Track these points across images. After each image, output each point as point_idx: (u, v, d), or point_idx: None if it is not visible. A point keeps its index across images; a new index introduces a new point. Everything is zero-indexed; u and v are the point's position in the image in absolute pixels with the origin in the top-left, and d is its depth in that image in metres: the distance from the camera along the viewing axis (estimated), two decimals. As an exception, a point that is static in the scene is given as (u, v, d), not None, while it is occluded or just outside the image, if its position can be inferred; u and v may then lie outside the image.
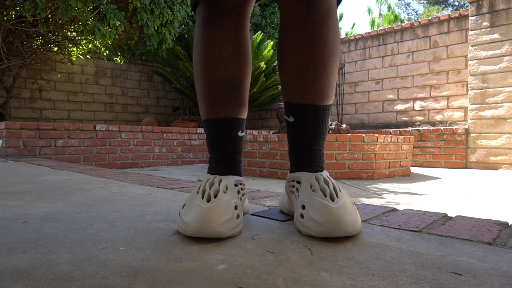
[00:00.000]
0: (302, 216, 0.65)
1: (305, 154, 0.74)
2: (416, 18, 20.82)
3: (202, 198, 0.63)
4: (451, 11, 14.25)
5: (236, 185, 0.73)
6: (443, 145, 4.34)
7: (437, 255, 0.54)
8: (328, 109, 0.74)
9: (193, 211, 0.61)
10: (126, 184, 1.39)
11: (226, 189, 0.66)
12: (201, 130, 4.65)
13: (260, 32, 5.37)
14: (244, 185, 0.77)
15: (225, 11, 0.73)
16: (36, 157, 3.31)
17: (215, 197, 0.63)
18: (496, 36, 4.05)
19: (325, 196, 0.64)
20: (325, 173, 0.70)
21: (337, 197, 0.63)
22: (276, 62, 0.85)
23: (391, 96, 5.13)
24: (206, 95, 0.76)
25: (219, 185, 0.66)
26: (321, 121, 0.73)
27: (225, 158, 0.77)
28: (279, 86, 5.52)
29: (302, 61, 0.70)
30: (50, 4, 3.47)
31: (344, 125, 3.48)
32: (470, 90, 4.22)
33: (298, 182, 0.72)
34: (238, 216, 0.64)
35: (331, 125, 3.55)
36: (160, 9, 3.90)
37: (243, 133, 0.80)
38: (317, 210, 0.62)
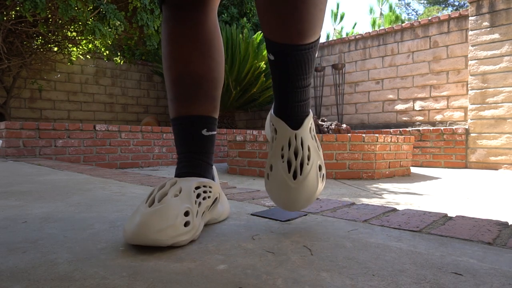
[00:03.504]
0: (268, 177, 0.67)
1: (286, 98, 0.66)
2: (416, 18, 20.81)
3: (146, 202, 0.59)
4: (451, 11, 14.24)
5: (197, 188, 0.66)
6: (443, 145, 4.34)
7: (437, 255, 0.54)
8: (314, 46, 0.64)
9: (134, 216, 0.57)
10: (126, 184, 1.39)
11: (179, 192, 0.61)
12: (201, 130, 4.65)
13: (260, 32, 5.37)
14: (210, 187, 0.69)
15: (185, 8, 0.72)
16: (36, 157, 3.31)
17: (159, 201, 0.59)
18: (496, 36, 4.05)
19: (289, 171, 0.64)
20: (301, 132, 0.65)
21: (301, 174, 0.63)
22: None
23: (391, 96, 5.13)
24: (170, 93, 0.74)
25: (170, 188, 0.62)
26: (305, 61, 0.64)
27: (187, 158, 0.72)
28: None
29: None
30: (50, 4, 3.47)
31: (344, 125, 3.48)
32: (470, 90, 4.22)
33: (275, 131, 0.67)
34: (187, 224, 0.58)
35: (331, 125, 3.55)
36: (160, 9, 3.89)
37: (212, 133, 0.74)
38: (277, 185, 0.65)
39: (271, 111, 0.70)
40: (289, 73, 0.64)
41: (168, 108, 0.77)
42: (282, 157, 0.65)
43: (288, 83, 0.65)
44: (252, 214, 0.81)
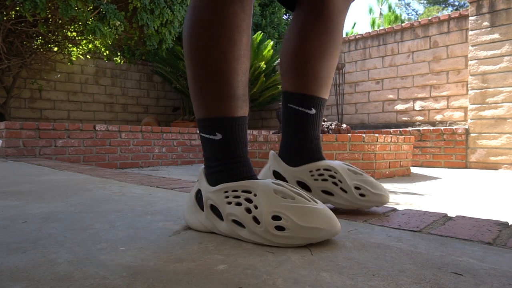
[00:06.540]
0: (363, 195, 0.78)
1: (319, 144, 0.83)
2: (416, 18, 20.81)
3: (304, 201, 0.60)
4: (451, 11, 14.24)
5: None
6: (443, 145, 4.34)
7: (437, 255, 0.54)
8: None
9: (315, 214, 0.58)
10: (126, 184, 1.39)
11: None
12: (201, 130, 4.64)
13: (260, 32, 5.37)
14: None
15: None
16: (36, 157, 3.30)
17: (311, 199, 0.61)
18: (496, 36, 4.05)
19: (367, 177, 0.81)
20: None
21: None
22: (279, 60, 0.86)
23: (391, 96, 5.13)
24: (232, 88, 0.64)
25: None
26: None
27: (247, 160, 0.68)
28: (279, 86, 5.53)
29: (331, 61, 0.82)
30: (50, 4, 3.47)
31: (344, 125, 3.48)
32: (470, 90, 4.22)
33: (329, 170, 0.80)
34: None
35: (331, 125, 3.55)
36: (160, 9, 3.90)
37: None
38: (377, 185, 0.79)
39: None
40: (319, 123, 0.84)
41: (217, 103, 0.65)
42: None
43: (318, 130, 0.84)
44: (252, 214, 0.81)
